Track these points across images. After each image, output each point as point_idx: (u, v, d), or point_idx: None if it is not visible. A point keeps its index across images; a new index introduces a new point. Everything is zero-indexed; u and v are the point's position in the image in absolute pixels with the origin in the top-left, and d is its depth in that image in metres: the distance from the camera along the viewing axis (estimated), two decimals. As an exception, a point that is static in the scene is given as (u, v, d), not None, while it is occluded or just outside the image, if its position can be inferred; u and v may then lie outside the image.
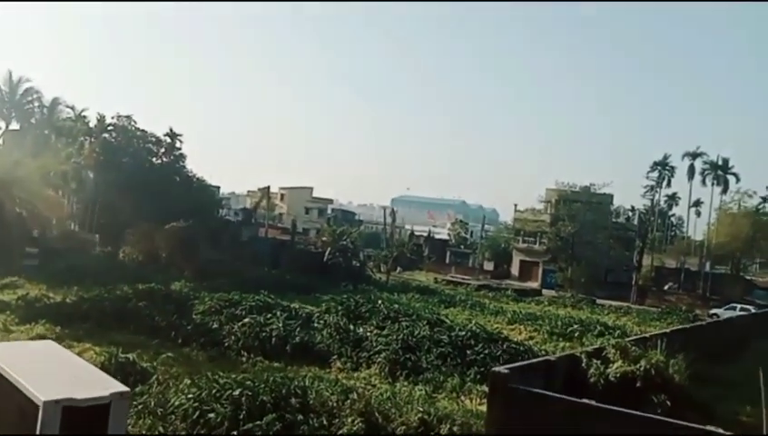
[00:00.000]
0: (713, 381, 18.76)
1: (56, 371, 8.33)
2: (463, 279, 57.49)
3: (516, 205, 71.60)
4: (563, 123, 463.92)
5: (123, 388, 8.17)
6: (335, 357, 18.47)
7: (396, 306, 26.56)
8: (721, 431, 9.74)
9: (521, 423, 10.80)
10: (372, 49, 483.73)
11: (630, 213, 78.33)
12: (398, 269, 60.59)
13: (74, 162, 49.08)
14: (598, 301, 48.31)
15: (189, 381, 12.83)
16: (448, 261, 77.41)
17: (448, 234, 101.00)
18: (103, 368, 12.97)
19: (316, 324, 21.98)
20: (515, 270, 68.11)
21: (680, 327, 26.01)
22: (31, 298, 22.48)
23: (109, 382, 8.27)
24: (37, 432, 7.12)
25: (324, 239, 51.23)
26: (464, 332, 20.56)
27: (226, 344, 18.70)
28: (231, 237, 50.73)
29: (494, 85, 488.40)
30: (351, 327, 21.34)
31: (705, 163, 70.20)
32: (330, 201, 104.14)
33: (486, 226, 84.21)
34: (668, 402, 12.79)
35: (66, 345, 16.43)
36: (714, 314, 43.42)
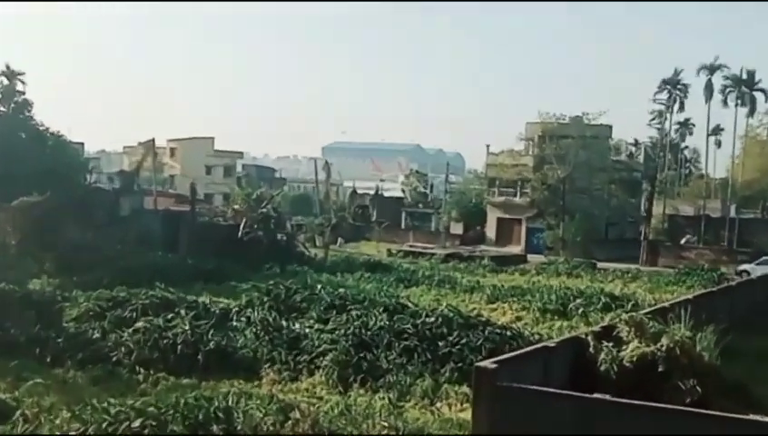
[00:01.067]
0: (748, 354, 19.89)
1: None
2: (425, 248, 58.19)
3: (488, 147, 72.49)
4: (546, 38, 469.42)
5: None
6: (266, 365, 18.52)
7: (341, 291, 26.75)
8: None
9: (517, 431, 11.12)
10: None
11: (633, 149, 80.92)
12: (340, 241, 60.69)
13: None
14: (599, 264, 50.05)
15: (68, 415, 12.57)
16: (403, 225, 78.09)
17: (402, 190, 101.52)
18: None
19: (235, 323, 22.00)
20: (491, 232, 69.43)
21: (704, 291, 27.27)
22: None
23: None
24: None
25: (236, 207, 50.56)
26: (432, 318, 20.91)
27: (114, 359, 18.54)
28: (107, 211, 49.30)
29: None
30: (284, 323, 21.44)
31: (726, 78, 72.59)
32: (240, 154, 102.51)
33: (450, 177, 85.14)
34: (698, 388, 13.43)
35: None
36: (744, 271, 45.78)
